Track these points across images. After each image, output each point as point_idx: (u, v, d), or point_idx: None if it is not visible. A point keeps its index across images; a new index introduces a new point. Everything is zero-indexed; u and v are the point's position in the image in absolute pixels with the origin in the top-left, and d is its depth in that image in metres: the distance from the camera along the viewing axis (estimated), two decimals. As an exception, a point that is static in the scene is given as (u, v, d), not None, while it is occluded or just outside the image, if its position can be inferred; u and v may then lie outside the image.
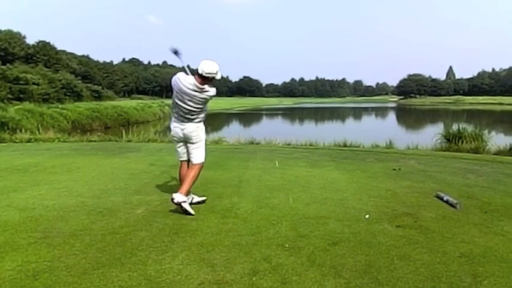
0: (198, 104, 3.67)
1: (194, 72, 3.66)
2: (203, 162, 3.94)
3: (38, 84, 36.03)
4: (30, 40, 52.76)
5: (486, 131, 12.55)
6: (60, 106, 27.98)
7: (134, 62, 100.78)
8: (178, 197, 3.57)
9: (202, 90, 3.61)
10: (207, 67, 3.56)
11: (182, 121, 3.78)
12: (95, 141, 11.16)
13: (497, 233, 3.23)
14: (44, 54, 51.27)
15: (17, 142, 10.67)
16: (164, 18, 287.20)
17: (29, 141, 10.90)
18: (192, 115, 3.74)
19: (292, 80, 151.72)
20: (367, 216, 3.62)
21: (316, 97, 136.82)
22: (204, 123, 3.97)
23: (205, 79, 3.60)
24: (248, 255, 2.73)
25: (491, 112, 54.02)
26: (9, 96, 30.96)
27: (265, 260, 2.66)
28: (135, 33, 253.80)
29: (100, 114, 28.35)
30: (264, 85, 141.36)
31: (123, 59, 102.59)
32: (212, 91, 3.68)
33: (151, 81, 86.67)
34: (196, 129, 3.82)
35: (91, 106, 30.26)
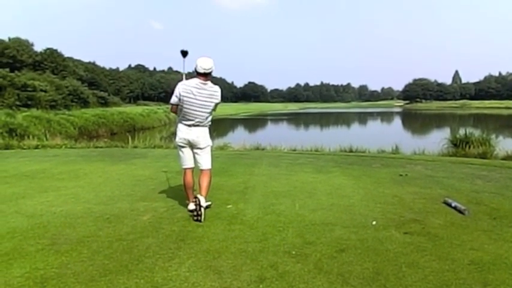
0: (206, 104, 3.79)
1: (193, 76, 3.81)
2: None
3: (45, 91, 36.42)
4: (38, 47, 53.57)
5: (493, 136, 12.44)
6: (67, 113, 28.36)
7: (140, 68, 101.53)
8: (203, 201, 3.63)
9: (206, 85, 3.77)
10: (204, 64, 3.73)
11: (190, 126, 3.85)
12: (101, 147, 11.24)
13: (507, 239, 3.19)
14: (51, 61, 51.86)
15: (24, 149, 10.78)
16: (166, 23, 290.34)
17: (36, 147, 11.01)
18: (201, 119, 3.83)
19: (297, 85, 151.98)
20: (374, 222, 3.60)
21: (321, 102, 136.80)
22: (209, 129, 4.01)
23: (206, 75, 3.76)
24: (255, 263, 2.72)
25: (499, 116, 53.54)
26: (17, 103, 31.39)
27: (271, 267, 2.65)
28: (139, 40, 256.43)
29: (106, 121, 28.65)
30: (268, 90, 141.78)
31: (129, 66, 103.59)
32: (218, 90, 3.87)
33: (156, 87, 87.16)
34: (204, 134, 3.91)
35: (97, 112, 30.60)
